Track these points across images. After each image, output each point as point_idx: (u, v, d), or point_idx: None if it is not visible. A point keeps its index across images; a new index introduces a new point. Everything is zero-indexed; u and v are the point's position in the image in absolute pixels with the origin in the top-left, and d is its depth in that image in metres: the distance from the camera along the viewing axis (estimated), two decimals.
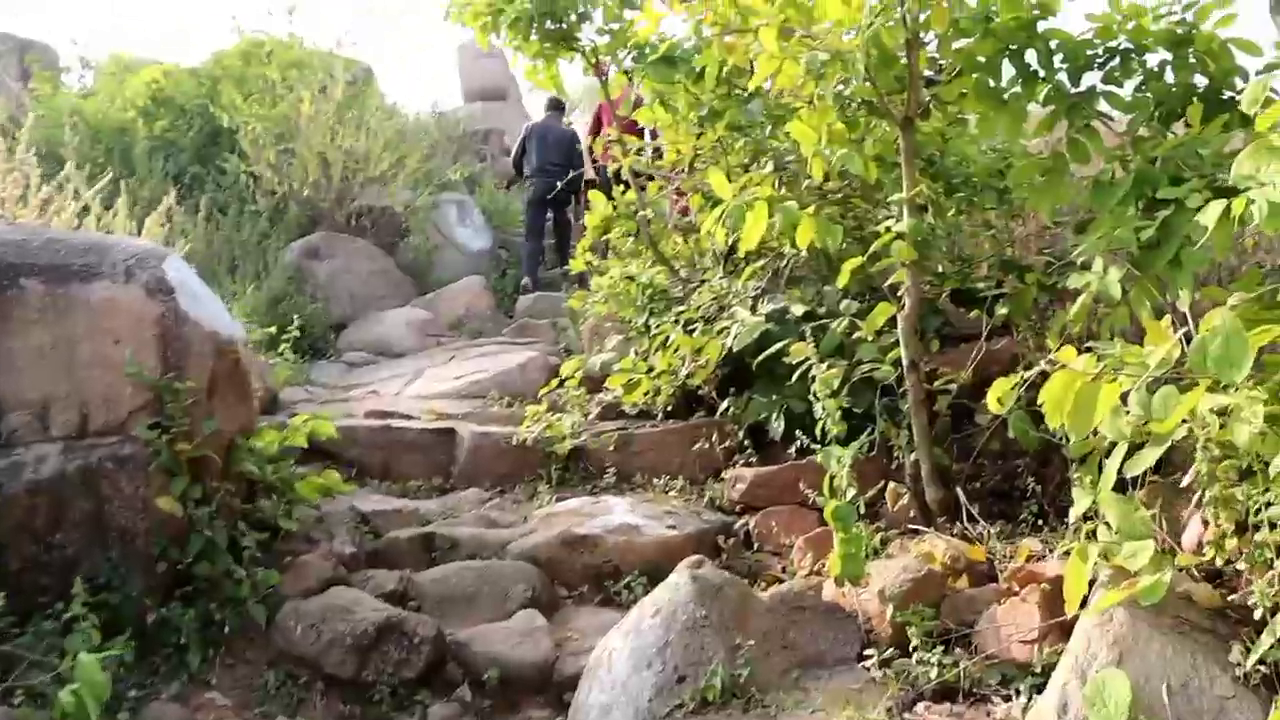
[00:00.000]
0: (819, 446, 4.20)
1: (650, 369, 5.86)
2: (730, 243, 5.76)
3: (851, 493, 3.79)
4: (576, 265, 7.29)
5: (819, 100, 4.48)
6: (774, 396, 5.39)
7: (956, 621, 3.60)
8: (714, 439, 5.66)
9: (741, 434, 5.57)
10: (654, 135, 7.76)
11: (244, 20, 14.48)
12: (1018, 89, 4.15)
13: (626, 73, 6.60)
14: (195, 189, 11.32)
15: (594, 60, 6.55)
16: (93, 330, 4.06)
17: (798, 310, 5.40)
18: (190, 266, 4.47)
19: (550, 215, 11.48)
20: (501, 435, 5.97)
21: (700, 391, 5.89)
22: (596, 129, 12.79)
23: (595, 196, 7.03)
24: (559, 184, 10.49)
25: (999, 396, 3.09)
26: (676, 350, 5.65)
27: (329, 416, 5.32)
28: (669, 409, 5.99)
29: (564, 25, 6.33)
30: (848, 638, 3.65)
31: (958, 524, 4.27)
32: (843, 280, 4.58)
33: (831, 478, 3.87)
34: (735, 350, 5.29)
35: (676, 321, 5.92)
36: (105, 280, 4.11)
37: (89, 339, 4.06)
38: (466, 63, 19.58)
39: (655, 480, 5.65)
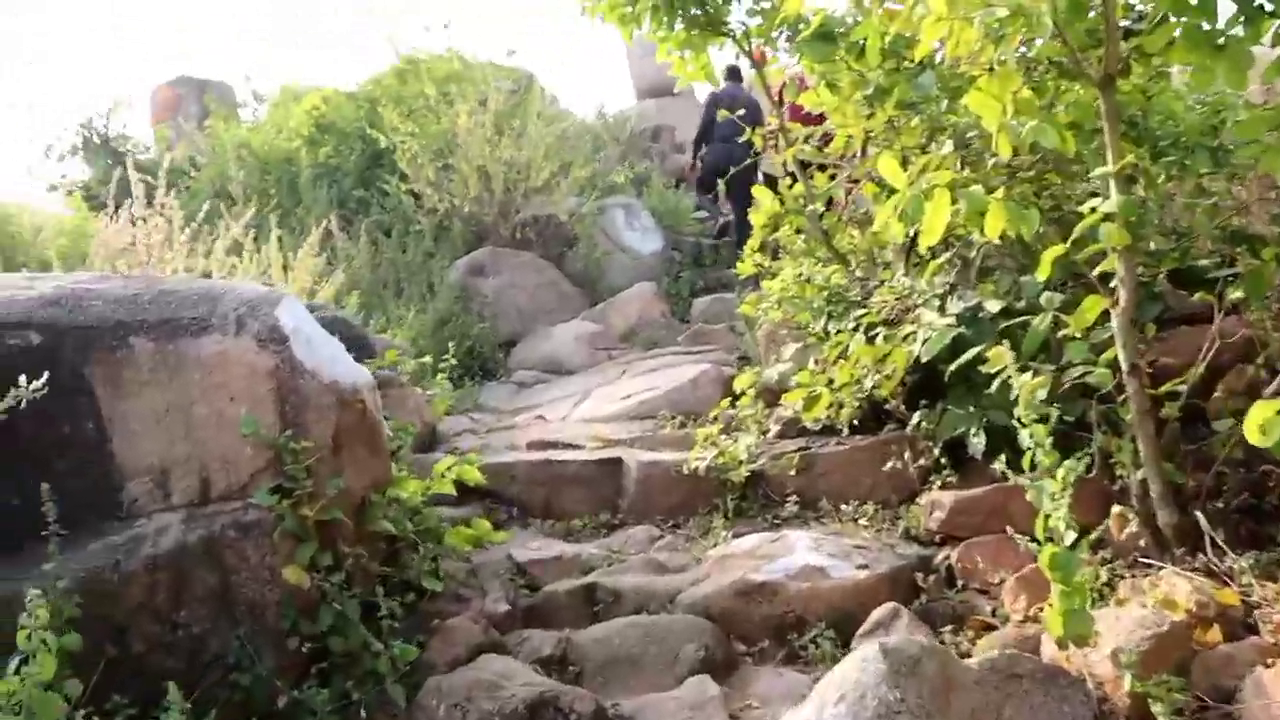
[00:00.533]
0: (1024, 474, 3.57)
1: (830, 381, 5.29)
2: (910, 235, 5.15)
3: (1071, 536, 3.16)
4: (745, 268, 6.77)
5: (999, 65, 3.87)
6: (971, 407, 4.77)
7: (1211, 688, 2.97)
8: (906, 456, 5.07)
9: (937, 451, 4.96)
10: (821, 120, 7.18)
11: (403, 39, 14.02)
12: (1239, 30, 3.46)
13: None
14: (360, 213, 11.23)
15: (746, 45, 6.01)
16: (207, 388, 3.75)
17: (992, 307, 4.77)
18: (302, 308, 4.10)
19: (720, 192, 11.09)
20: (672, 463, 5.50)
21: (888, 404, 5.30)
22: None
23: (760, 192, 6.50)
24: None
25: (1261, 424, 2.45)
26: (858, 361, 5.06)
27: (475, 460, 4.94)
28: (855, 423, 5.40)
29: (708, 9, 5.81)
30: (1076, 712, 3.03)
31: (1199, 555, 3.60)
32: (1043, 272, 3.95)
33: (1046, 516, 3.25)
34: (924, 358, 4.68)
35: (856, 327, 5.35)
36: (215, 333, 3.79)
37: (204, 397, 3.75)
38: (635, 60, 19.33)
39: (842, 506, 5.10)
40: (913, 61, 4.94)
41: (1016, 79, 3.87)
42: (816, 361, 5.77)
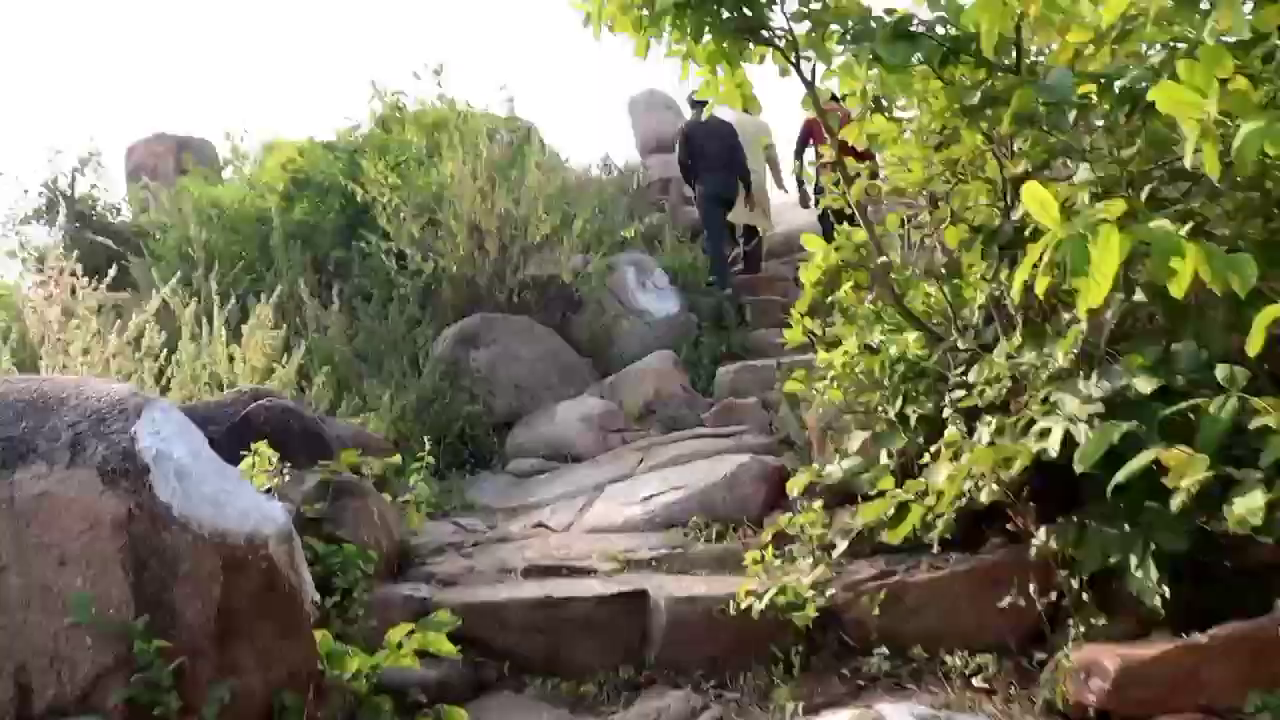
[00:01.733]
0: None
1: (924, 491, 4.00)
2: (1021, 291, 3.88)
3: None
4: (794, 336, 5.52)
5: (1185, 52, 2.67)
6: (1126, 525, 3.48)
7: None
8: (1029, 587, 3.80)
9: (1076, 583, 3.66)
10: (869, 157, 6.00)
11: (390, 84, 12.80)
12: None
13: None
14: (340, 277, 10.01)
15: (792, 55, 4.75)
16: (24, 548, 2.48)
17: (1144, 386, 3.49)
18: (177, 417, 2.82)
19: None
20: (712, 599, 4.19)
21: (998, 511, 4.02)
22: (802, 148, 11.49)
23: (812, 242, 5.28)
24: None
25: None
26: (970, 466, 3.76)
27: (446, 622, 3.56)
28: (948, 537, 4.10)
29: (745, 9, 4.58)
30: None
31: None
32: (1256, 341, 2.74)
33: None
34: (1079, 466, 3.38)
35: (952, 413, 4.09)
36: (38, 463, 2.53)
37: (19, 562, 2.48)
38: (638, 115, 18.13)
39: (946, 658, 3.81)
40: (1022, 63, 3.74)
41: (1226, 60, 2.66)
42: (891, 455, 4.51)
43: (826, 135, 5.12)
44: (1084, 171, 3.64)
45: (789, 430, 6.66)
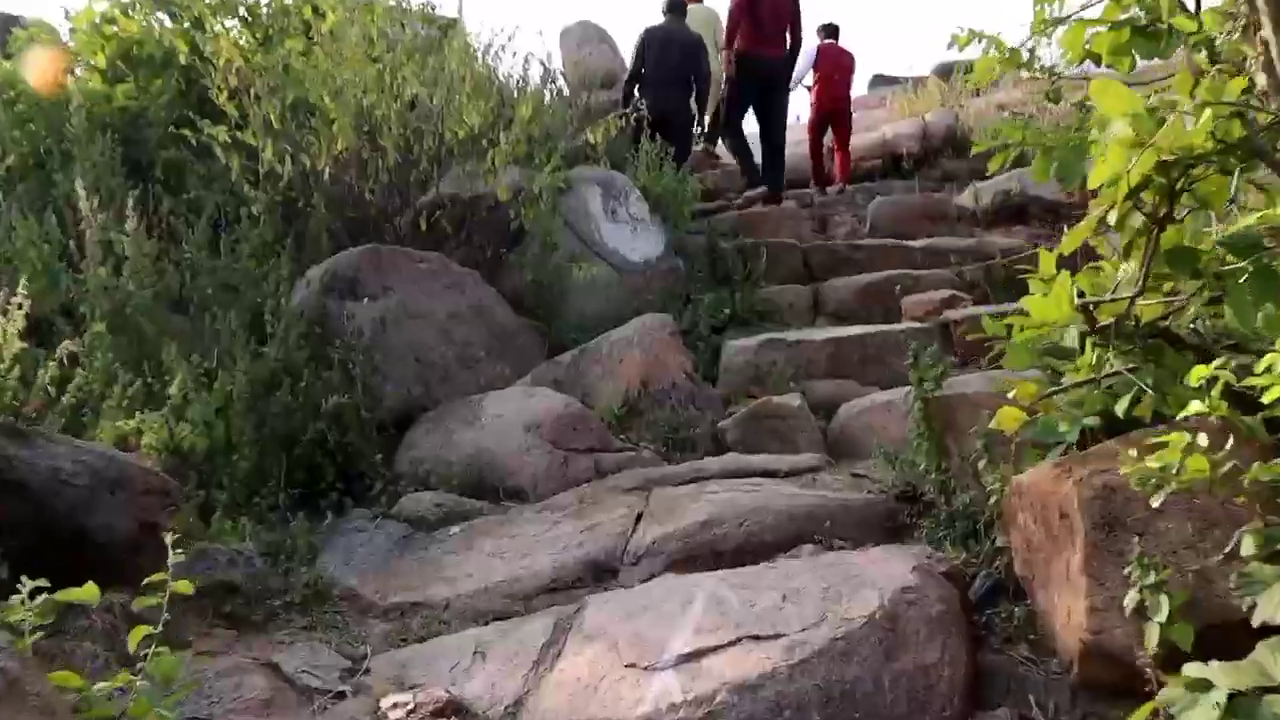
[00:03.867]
0: None
1: None
2: None
3: None
4: (1050, 311, 2.49)
5: None
6: None
7: None
8: None
9: None
10: None
11: None
12: None
13: None
14: (172, 187, 6.82)
15: None
16: None
17: None
18: None
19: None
20: None
21: None
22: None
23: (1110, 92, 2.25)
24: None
25: None
26: None
27: None
28: None
29: None
30: None
31: None
32: None
33: None
34: None
35: None
36: None
37: None
38: (570, 50, 14.97)
39: None
40: None
41: None
42: None
43: None
44: None
45: (909, 467, 3.69)
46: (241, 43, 7.32)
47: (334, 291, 5.56)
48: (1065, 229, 11.45)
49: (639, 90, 9.73)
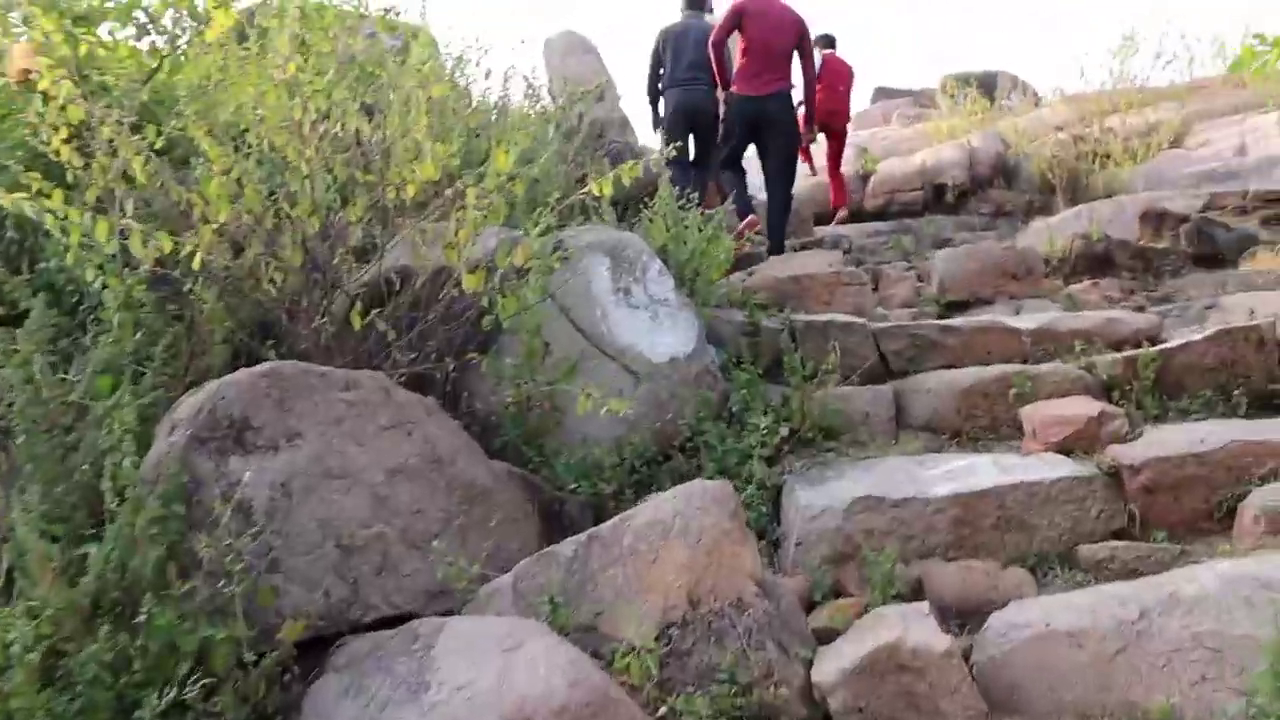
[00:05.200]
0: None
1: None
2: None
3: None
4: None
5: None
6: None
7: None
8: None
9: None
10: None
11: None
12: None
13: None
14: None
15: None
16: None
17: None
18: None
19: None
20: None
21: None
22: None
23: None
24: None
25: None
26: None
27: None
28: None
29: None
30: None
31: None
32: None
33: None
34: None
35: None
36: None
37: None
38: (554, 60, 13.33)
39: None
40: None
41: None
42: None
43: None
44: None
45: None
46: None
47: (208, 443, 3.58)
48: (1155, 280, 8.84)
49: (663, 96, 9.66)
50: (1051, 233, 9.08)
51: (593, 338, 4.94)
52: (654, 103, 10.18)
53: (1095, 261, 8.51)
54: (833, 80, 11.38)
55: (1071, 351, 5.63)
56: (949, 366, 5.70)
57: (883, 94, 24.79)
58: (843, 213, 11.55)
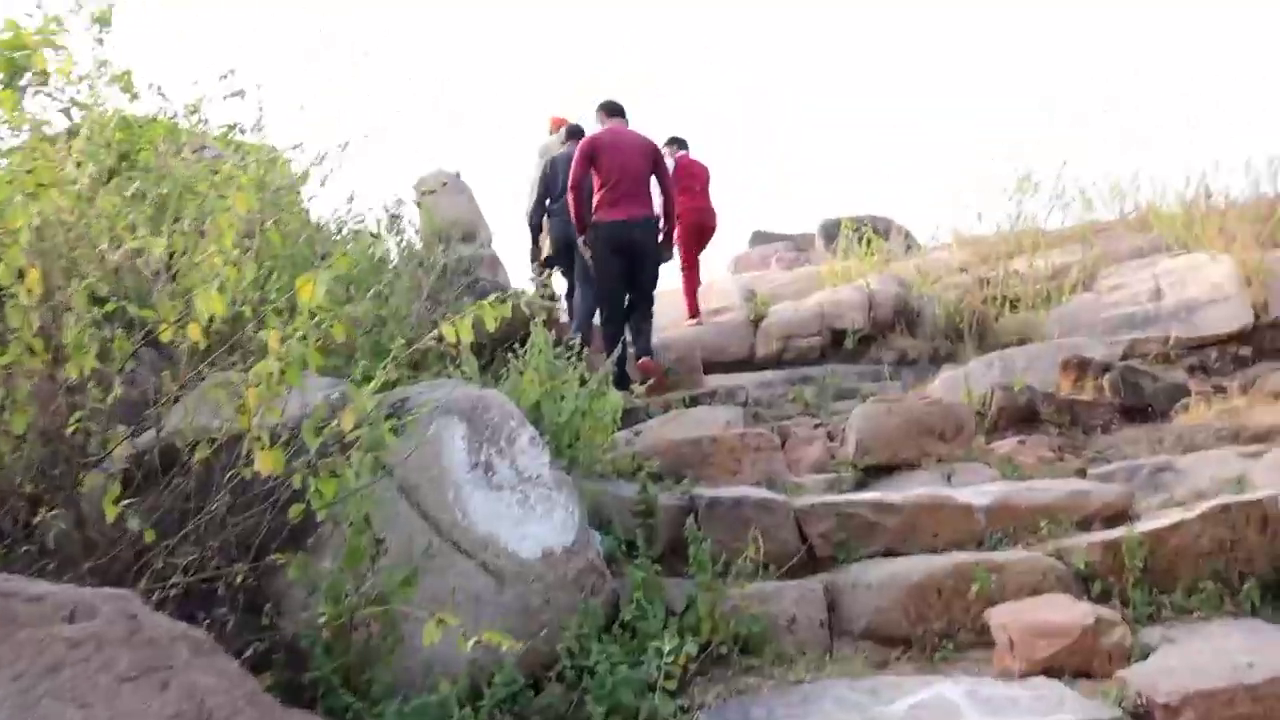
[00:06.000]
0: None
1: None
2: None
3: None
4: None
5: None
6: None
7: None
8: None
9: None
10: None
11: None
12: None
13: None
14: None
15: None
16: None
17: None
18: None
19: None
20: None
21: None
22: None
23: None
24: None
25: None
26: None
27: None
28: None
29: None
30: None
31: None
32: None
33: None
34: None
35: None
36: None
37: None
38: (426, 200, 12.50)
39: None
40: None
41: None
42: None
43: None
44: None
45: None
46: None
47: None
48: (1085, 435, 7.57)
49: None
50: (967, 383, 8.23)
51: (443, 528, 3.73)
52: (535, 231, 9.84)
53: (1018, 415, 7.69)
54: (689, 182, 11.03)
55: (1035, 532, 4.65)
56: (889, 553, 4.65)
57: (760, 238, 24.31)
58: (693, 322, 11.45)
